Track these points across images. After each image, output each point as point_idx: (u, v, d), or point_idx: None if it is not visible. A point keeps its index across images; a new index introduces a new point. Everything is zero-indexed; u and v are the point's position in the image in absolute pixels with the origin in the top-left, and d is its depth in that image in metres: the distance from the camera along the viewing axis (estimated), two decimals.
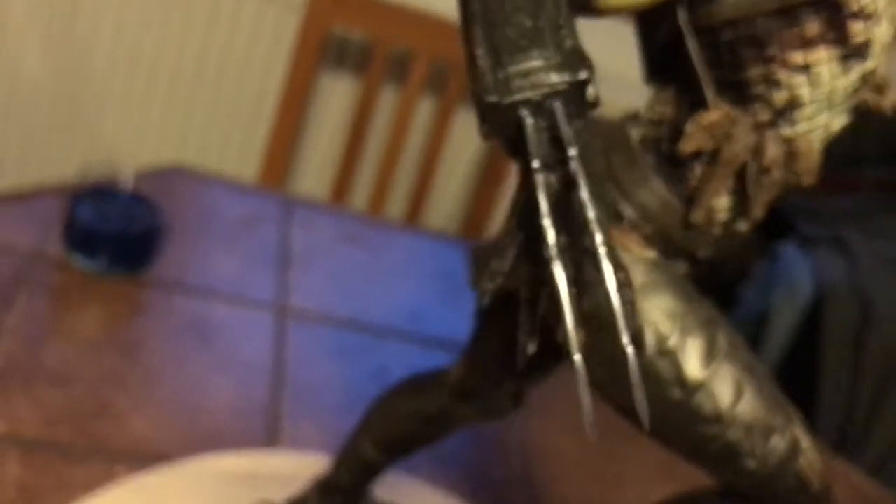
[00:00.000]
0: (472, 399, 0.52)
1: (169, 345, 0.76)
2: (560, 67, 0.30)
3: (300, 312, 0.86)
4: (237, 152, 1.58)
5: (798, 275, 1.38)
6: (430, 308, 0.94)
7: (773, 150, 0.36)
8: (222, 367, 0.76)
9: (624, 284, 0.29)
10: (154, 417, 0.68)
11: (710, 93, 0.36)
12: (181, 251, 0.87)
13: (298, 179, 1.63)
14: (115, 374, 0.71)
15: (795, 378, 1.40)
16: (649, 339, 0.39)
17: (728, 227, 0.39)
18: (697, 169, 0.37)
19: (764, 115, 0.36)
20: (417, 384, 0.55)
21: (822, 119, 0.36)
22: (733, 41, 0.35)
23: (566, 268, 0.29)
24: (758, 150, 0.36)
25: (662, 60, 0.38)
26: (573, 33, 0.31)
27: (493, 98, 0.30)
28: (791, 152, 0.36)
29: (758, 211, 0.37)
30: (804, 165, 0.36)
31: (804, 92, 0.35)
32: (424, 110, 1.49)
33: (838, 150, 1.26)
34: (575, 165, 0.29)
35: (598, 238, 0.28)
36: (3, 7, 1.42)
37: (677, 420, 0.40)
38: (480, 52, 0.30)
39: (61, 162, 1.48)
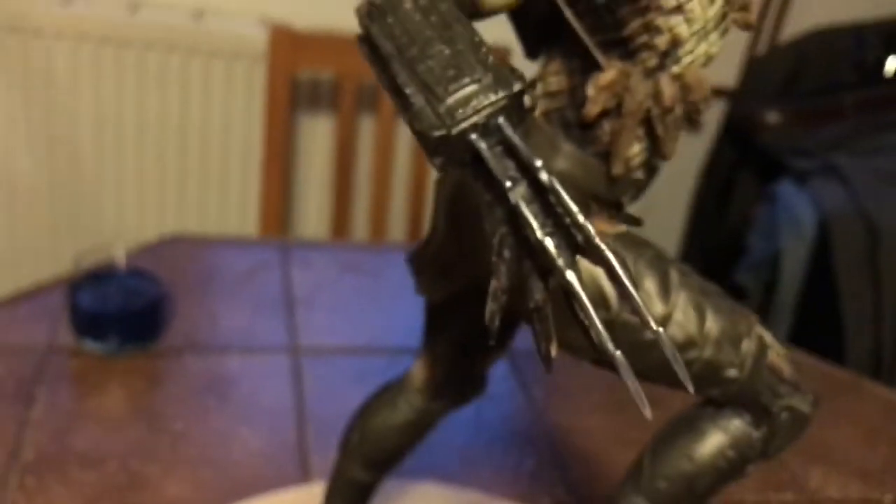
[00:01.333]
0: (442, 394, 0.54)
1: (191, 407, 0.79)
2: (494, 85, 0.30)
3: (313, 349, 0.88)
4: (235, 210, 1.61)
5: (799, 211, 1.39)
6: None
7: (669, 90, 0.38)
8: (246, 418, 0.78)
9: (628, 271, 0.30)
10: (188, 479, 0.71)
11: (599, 56, 0.37)
12: (188, 315, 0.89)
13: (299, 223, 1.66)
14: (143, 445, 0.73)
15: (817, 312, 1.40)
16: (611, 295, 0.41)
17: (646, 169, 0.41)
18: (606, 126, 0.39)
19: (652, 62, 0.38)
20: (386, 398, 0.56)
21: (702, 48, 0.39)
22: (609, 2, 0.37)
23: (575, 272, 0.29)
24: (656, 95, 0.38)
25: (540, 35, 0.40)
26: (488, 47, 0.31)
27: (440, 132, 0.30)
28: (684, 86, 0.39)
29: (670, 147, 0.40)
30: (698, 95, 0.39)
31: (682, 30, 0.37)
32: (404, 133, 1.52)
33: (814, 83, 1.27)
34: (545, 175, 0.29)
35: (593, 235, 0.29)
36: None
37: (658, 357, 0.42)
38: (410, 90, 0.31)
39: (65, 254, 1.52)
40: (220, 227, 1.59)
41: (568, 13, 0.37)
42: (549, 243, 0.29)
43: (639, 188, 0.42)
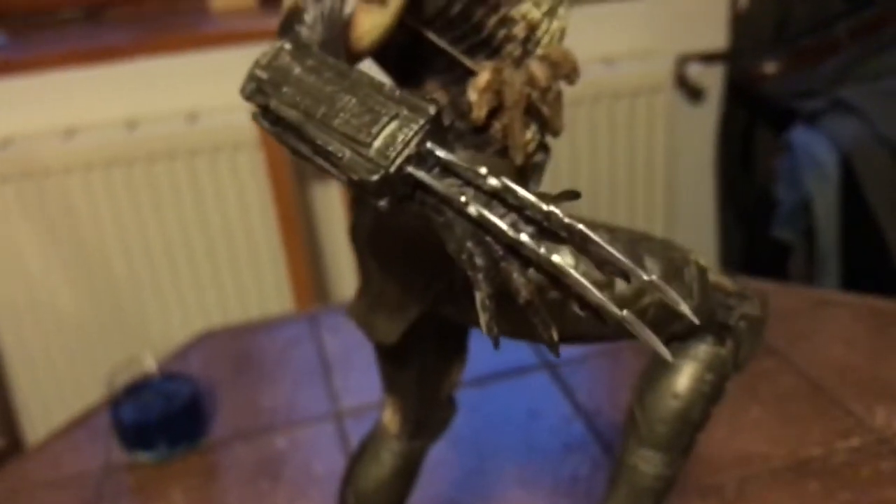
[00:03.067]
0: (420, 431, 0.55)
1: (248, 493, 0.80)
2: (413, 115, 0.31)
3: (355, 410, 0.89)
4: (271, 290, 1.64)
5: (818, 152, 1.36)
6: (471, 355, 0.96)
7: (541, 72, 0.40)
8: (300, 492, 0.79)
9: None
10: None
11: (469, 62, 0.39)
12: (231, 404, 0.91)
13: (336, 287, 1.69)
14: None
15: (862, 249, 1.36)
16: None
17: (542, 148, 0.43)
18: (496, 124, 0.40)
19: (516, 52, 0.40)
20: (368, 455, 0.57)
21: (555, 25, 0.41)
22: (462, 11, 0.38)
23: (563, 255, 0.30)
24: (531, 80, 0.40)
25: (404, 64, 0.41)
26: (388, 84, 0.32)
27: (379, 174, 0.30)
28: (552, 64, 0.40)
29: (559, 123, 0.42)
30: (568, 67, 0.41)
31: (534, 14, 0.39)
32: None
33: (804, 22, 1.25)
34: (493, 179, 0.30)
35: (562, 217, 0.29)
36: (21, 257, 1.53)
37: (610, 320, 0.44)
38: (334, 146, 0.31)
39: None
40: (260, 309, 1.62)
41: (431, 35, 0.38)
42: (525, 237, 0.29)
43: (540, 170, 0.44)
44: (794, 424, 0.81)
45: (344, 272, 1.68)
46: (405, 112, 0.31)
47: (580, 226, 0.29)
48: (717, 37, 1.69)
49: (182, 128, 1.52)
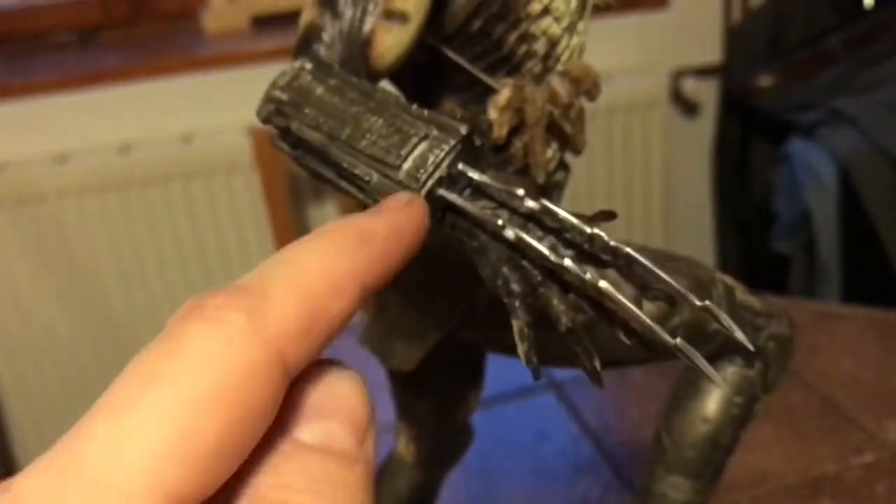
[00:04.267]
0: (435, 460, 0.54)
1: None
2: (443, 135, 0.29)
3: None
4: None
5: (816, 164, 1.36)
6: None
7: (562, 89, 0.39)
8: None
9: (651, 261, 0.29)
10: None
11: (489, 80, 0.38)
12: None
13: None
14: None
15: (863, 261, 1.36)
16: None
17: (563, 166, 0.42)
18: (517, 143, 0.39)
19: (536, 68, 0.38)
20: (387, 487, 0.55)
21: (575, 41, 0.39)
22: (483, 27, 0.37)
23: (602, 279, 0.28)
24: (552, 97, 0.38)
25: (420, 83, 0.40)
26: (415, 103, 0.31)
27: None
28: (573, 80, 0.39)
29: (581, 140, 0.40)
30: (589, 82, 0.40)
31: (555, 30, 0.38)
32: None
33: (798, 35, 1.25)
34: (531, 201, 0.28)
35: (607, 240, 0.28)
36: (15, 284, 1.51)
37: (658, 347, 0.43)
38: (360, 170, 0.29)
39: None
40: None
41: (450, 52, 0.37)
42: (569, 262, 0.28)
43: (560, 189, 0.43)
44: (807, 441, 0.80)
45: None
46: (435, 132, 0.29)
47: (627, 248, 0.27)
48: (711, 51, 1.69)
49: (176, 150, 1.51)
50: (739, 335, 0.28)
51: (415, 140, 0.29)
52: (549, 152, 0.40)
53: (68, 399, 1.58)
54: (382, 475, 0.56)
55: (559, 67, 0.39)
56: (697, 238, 1.83)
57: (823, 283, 1.40)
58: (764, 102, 1.55)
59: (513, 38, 0.37)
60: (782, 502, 0.73)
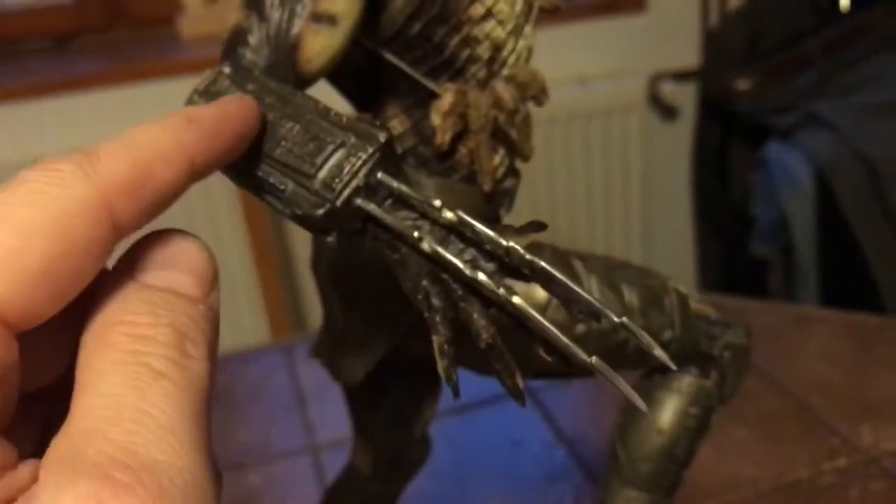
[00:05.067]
0: (393, 472, 0.53)
1: None
2: (361, 142, 0.28)
3: (332, 442, 0.87)
4: (248, 322, 1.62)
5: (793, 167, 1.36)
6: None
7: (507, 94, 0.38)
8: None
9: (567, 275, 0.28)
10: None
11: (431, 84, 0.37)
12: None
13: (311, 319, 1.66)
14: None
15: (841, 264, 1.36)
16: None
17: (511, 175, 0.41)
18: (462, 149, 0.38)
19: (481, 73, 0.38)
20: (342, 498, 0.54)
21: (521, 44, 0.38)
22: (422, 30, 0.36)
23: (536, 291, 0.28)
24: (497, 102, 0.38)
25: (363, 88, 0.39)
26: (334, 110, 0.30)
27: (324, 209, 0.27)
28: (519, 85, 0.38)
29: (528, 147, 0.39)
30: (536, 87, 0.39)
31: (498, 33, 0.37)
32: None
33: (775, 38, 1.25)
34: (449, 213, 0.27)
35: (523, 254, 0.27)
36: None
37: (595, 349, 0.42)
38: (275, 179, 0.28)
39: None
40: (236, 341, 1.59)
41: (390, 56, 0.37)
42: (482, 276, 0.27)
43: (511, 196, 0.42)
44: (780, 446, 0.79)
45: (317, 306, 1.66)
46: (352, 140, 0.28)
47: (542, 263, 0.27)
48: (689, 55, 1.69)
49: None
50: (658, 352, 0.27)
51: (330, 148, 0.28)
52: (497, 159, 0.39)
53: None
54: (339, 488, 0.55)
55: (505, 72, 0.38)
56: (677, 242, 1.83)
57: (802, 286, 1.40)
58: (742, 106, 1.55)
59: (454, 41, 0.36)
60: None
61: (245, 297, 1.58)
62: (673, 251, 1.82)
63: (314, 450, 0.86)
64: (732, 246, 1.65)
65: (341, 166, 0.28)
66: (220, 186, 1.49)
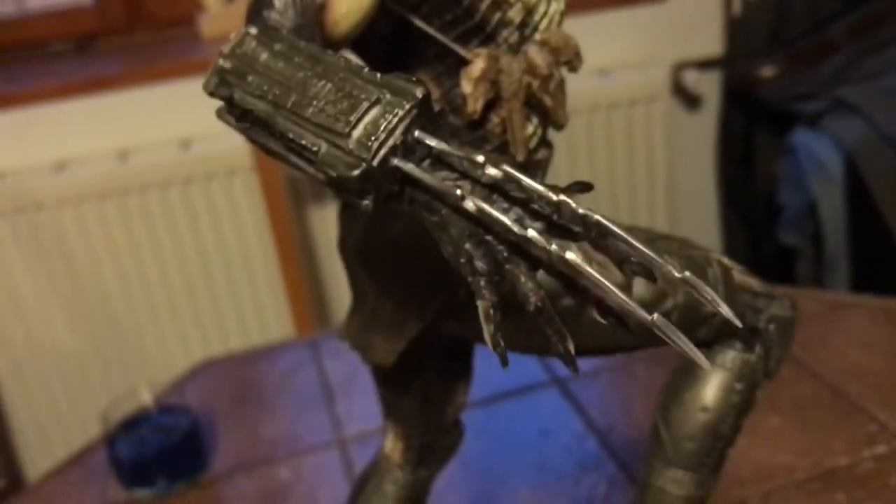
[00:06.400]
0: (426, 459, 0.52)
1: None
2: (396, 98, 0.27)
3: (359, 436, 0.86)
4: (272, 316, 1.62)
5: (821, 154, 1.34)
6: (477, 375, 0.93)
7: (541, 59, 0.37)
8: None
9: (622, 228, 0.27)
10: None
11: (461, 51, 0.36)
12: (232, 435, 0.88)
13: (335, 313, 1.66)
14: None
15: (871, 250, 1.34)
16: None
17: (545, 143, 0.40)
18: (494, 118, 0.37)
19: (513, 37, 0.37)
20: (371, 488, 0.53)
21: (553, 7, 0.37)
22: None
23: (577, 253, 0.26)
24: (530, 67, 0.37)
25: (390, 56, 0.38)
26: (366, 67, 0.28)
27: (359, 169, 0.26)
28: (553, 50, 0.37)
29: (562, 114, 0.38)
30: (570, 52, 0.38)
31: None
32: None
33: (800, 24, 1.23)
34: (493, 169, 0.26)
35: (575, 207, 0.25)
36: (16, 292, 1.50)
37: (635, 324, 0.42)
38: (308, 140, 0.27)
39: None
40: (261, 335, 1.59)
41: (418, 21, 0.36)
42: (533, 233, 0.25)
43: (544, 168, 0.40)
44: (817, 433, 0.78)
45: (344, 295, 1.65)
46: (388, 96, 0.27)
47: (597, 216, 0.25)
48: (712, 43, 1.67)
49: (175, 156, 1.50)
50: (724, 308, 0.26)
51: (365, 105, 0.27)
52: (530, 128, 0.38)
53: (71, 402, 1.57)
54: (369, 477, 0.54)
55: (537, 36, 0.37)
56: (703, 232, 1.81)
57: (831, 274, 1.38)
58: (767, 93, 1.53)
59: (485, 4, 0.35)
60: (793, 497, 0.71)
61: (269, 293, 1.58)
62: (699, 241, 1.78)
63: (342, 443, 0.86)
64: (759, 235, 1.63)
65: (377, 124, 0.27)
66: (242, 183, 1.49)
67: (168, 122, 1.53)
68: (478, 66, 0.36)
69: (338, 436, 0.87)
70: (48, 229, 1.47)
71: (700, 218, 1.80)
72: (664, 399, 0.47)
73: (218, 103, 0.31)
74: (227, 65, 0.29)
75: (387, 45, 0.37)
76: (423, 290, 0.40)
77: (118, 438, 0.80)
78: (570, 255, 0.25)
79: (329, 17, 0.31)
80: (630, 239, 0.25)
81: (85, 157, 1.49)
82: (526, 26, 0.37)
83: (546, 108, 0.38)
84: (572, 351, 0.26)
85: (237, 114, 0.30)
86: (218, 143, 1.50)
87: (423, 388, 0.48)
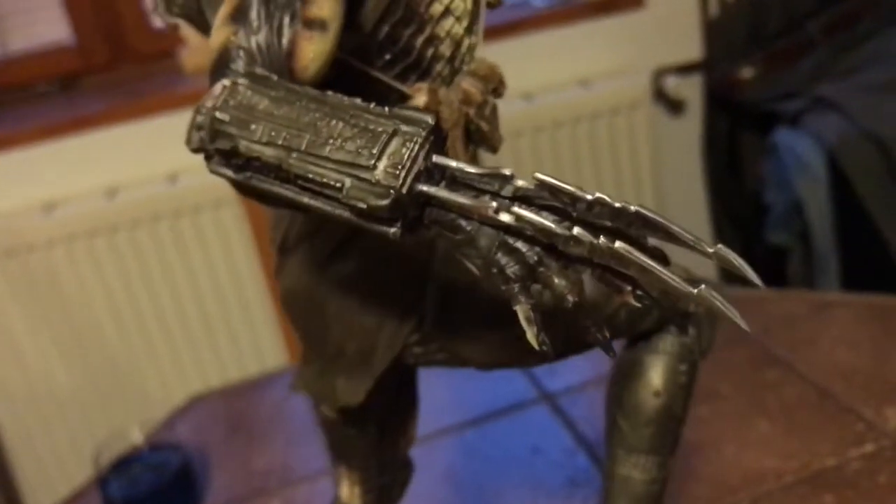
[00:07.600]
0: (385, 499, 0.53)
1: None
2: (411, 129, 0.28)
3: None
4: (267, 344, 1.62)
5: (804, 152, 1.34)
6: (465, 396, 0.94)
7: (473, 88, 0.39)
8: None
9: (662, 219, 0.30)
10: None
11: (401, 86, 0.38)
12: (225, 468, 0.89)
13: None
14: None
15: (857, 244, 1.34)
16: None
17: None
18: None
19: (445, 70, 0.39)
20: None
21: (473, 40, 0.39)
22: (390, 33, 0.37)
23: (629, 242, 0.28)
24: (466, 98, 0.39)
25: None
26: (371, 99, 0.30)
27: (390, 198, 0.27)
28: (482, 78, 0.40)
29: (497, 137, 0.40)
30: (495, 80, 0.40)
31: (457, 29, 0.38)
32: None
33: (776, 24, 1.24)
34: (520, 180, 0.28)
35: (611, 202, 0.27)
36: (10, 333, 1.51)
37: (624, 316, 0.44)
38: (330, 178, 0.28)
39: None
40: (257, 364, 1.59)
41: (358, 64, 0.37)
42: (579, 230, 0.27)
43: None
44: (805, 435, 0.78)
45: None
46: (403, 127, 0.28)
47: (633, 207, 0.27)
48: (691, 47, 1.68)
49: (163, 190, 1.50)
50: (752, 276, 0.28)
51: (384, 137, 0.28)
52: (468, 153, 0.40)
53: (72, 441, 1.57)
54: None
55: (465, 68, 0.39)
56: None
57: (821, 272, 1.38)
58: (748, 94, 1.54)
59: (419, 41, 0.37)
60: (782, 502, 0.71)
61: (263, 321, 1.58)
62: None
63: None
64: (749, 235, 1.63)
65: (400, 153, 0.28)
66: (231, 214, 1.50)
67: (154, 157, 1.54)
68: (420, 99, 0.37)
69: (330, 465, 0.87)
70: (40, 270, 1.47)
71: (690, 222, 1.80)
72: (615, 391, 0.49)
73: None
74: (225, 117, 0.30)
75: (333, 88, 0.38)
76: (394, 318, 0.41)
77: (110, 479, 0.80)
78: (619, 244, 0.27)
79: (297, 63, 0.32)
80: (668, 224, 0.27)
81: (73, 196, 1.50)
82: (455, 59, 0.39)
83: (483, 134, 0.40)
84: (609, 336, 0.29)
85: (238, 164, 0.30)
86: (205, 176, 1.48)
87: (378, 424, 0.49)
